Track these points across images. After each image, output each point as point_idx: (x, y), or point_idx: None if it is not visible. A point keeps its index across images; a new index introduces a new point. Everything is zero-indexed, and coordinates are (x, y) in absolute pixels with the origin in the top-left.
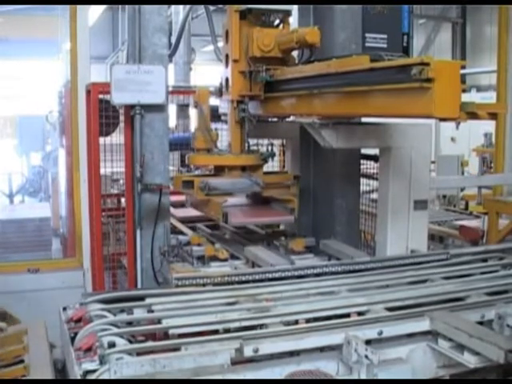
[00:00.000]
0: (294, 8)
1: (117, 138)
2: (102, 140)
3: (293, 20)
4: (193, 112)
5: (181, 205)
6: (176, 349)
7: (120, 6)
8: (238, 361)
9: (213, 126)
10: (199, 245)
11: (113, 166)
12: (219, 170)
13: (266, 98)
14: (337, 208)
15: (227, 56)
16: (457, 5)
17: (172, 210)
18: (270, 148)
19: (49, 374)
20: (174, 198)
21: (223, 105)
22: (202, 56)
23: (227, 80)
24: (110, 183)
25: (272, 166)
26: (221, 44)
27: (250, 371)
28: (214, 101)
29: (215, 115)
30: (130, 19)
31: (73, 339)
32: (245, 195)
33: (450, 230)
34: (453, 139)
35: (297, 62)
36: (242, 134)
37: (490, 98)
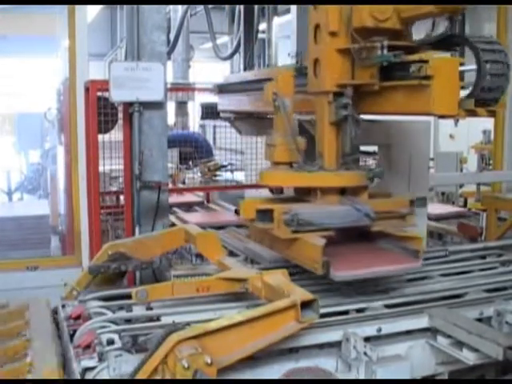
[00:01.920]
0: (293, 6)
1: (115, 135)
2: (100, 137)
3: (292, 17)
4: (191, 109)
5: (187, 205)
6: None
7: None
8: None
9: (212, 123)
10: None
11: (112, 164)
12: (305, 193)
13: (381, 89)
14: None
15: (317, 27)
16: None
17: (183, 214)
18: (378, 160)
19: (51, 349)
20: (177, 199)
21: (222, 102)
22: (201, 53)
23: (316, 62)
24: (109, 181)
25: None
26: (220, 41)
27: (248, 368)
28: (212, 98)
29: (214, 112)
30: (128, 16)
31: (72, 336)
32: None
33: (449, 227)
34: (451, 136)
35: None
36: (339, 142)
37: None
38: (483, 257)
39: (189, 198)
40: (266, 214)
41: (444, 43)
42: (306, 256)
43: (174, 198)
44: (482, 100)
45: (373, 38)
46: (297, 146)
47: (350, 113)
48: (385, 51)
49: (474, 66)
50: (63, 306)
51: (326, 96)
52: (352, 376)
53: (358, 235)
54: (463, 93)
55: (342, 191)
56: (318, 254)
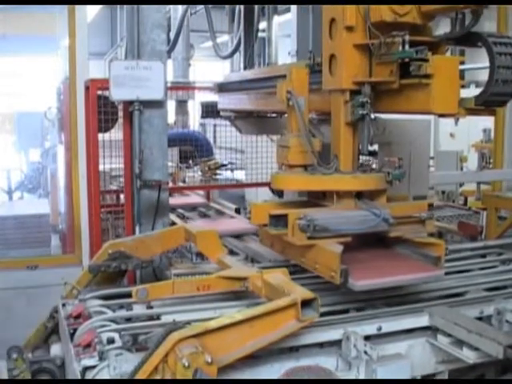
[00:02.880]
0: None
1: (116, 134)
2: (100, 136)
3: (292, 16)
4: (192, 108)
5: (190, 207)
6: None
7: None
8: None
9: (212, 122)
10: None
11: (112, 162)
12: (319, 197)
13: (401, 87)
14: None
15: (332, 21)
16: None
17: (197, 222)
18: (398, 161)
19: None
20: (179, 200)
21: (222, 100)
22: (201, 52)
23: (331, 58)
24: (109, 179)
25: (271, 162)
26: (220, 40)
27: (249, 367)
28: (212, 97)
29: (214, 111)
30: (128, 15)
31: (72, 335)
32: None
33: (449, 225)
34: (452, 135)
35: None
36: (355, 143)
37: None
38: (483, 255)
39: (192, 199)
40: (279, 220)
41: (465, 39)
42: (322, 264)
43: (176, 200)
44: (497, 94)
45: (392, 33)
46: (312, 148)
47: (368, 112)
48: (406, 47)
49: (475, 65)
50: (63, 305)
51: (342, 94)
52: (352, 375)
53: (375, 240)
54: (463, 92)
55: (359, 194)
56: (335, 261)
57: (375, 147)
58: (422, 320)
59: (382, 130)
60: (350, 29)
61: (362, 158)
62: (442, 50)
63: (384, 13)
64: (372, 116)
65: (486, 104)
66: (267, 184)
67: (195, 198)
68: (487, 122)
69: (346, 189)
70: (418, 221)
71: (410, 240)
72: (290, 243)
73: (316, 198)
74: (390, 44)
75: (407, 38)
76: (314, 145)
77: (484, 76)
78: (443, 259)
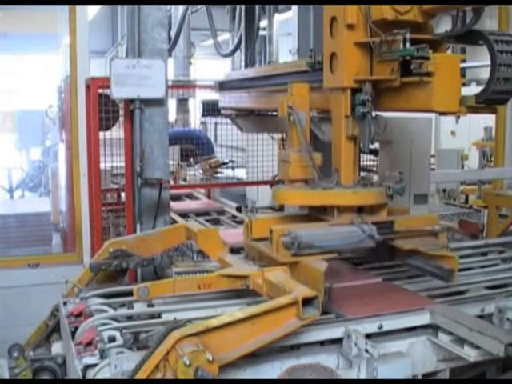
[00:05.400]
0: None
1: (116, 132)
2: (101, 134)
3: (292, 15)
4: (192, 106)
5: (204, 214)
6: None
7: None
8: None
9: (213, 120)
10: None
11: (113, 161)
12: (320, 210)
13: (402, 85)
14: None
15: (333, 19)
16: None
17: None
18: (399, 175)
19: None
20: (189, 205)
21: (223, 99)
22: (202, 50)
23: (332, 56)
24: (110, 178)
25: (272, 160)
26: (221, 38)
27: (249, 365)
28: (213, 95)
29: (215, 109)
30: (129, 14)
31: (73, 333)
32: None
33: (450, 223)
34: (453, 133)
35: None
36: (356, 157)
37: None
38: (484, 254)
39: (204, 203)
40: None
41: (465, 37)
42: (307, 282)
43: (186, 204)
44: (498, 92)
45: (393, 31)
46: (313, 163)
47: (369, 110)
48: (407, 45)
49: (476, 63)
50: (64, 303)
51: (343, 92)
52: (353, 373)
53: (388, 252)
54: (464, 90)
55: (360, 208)
56: (319, 279)
57: (376, 145)
58: (423, 318)
59: (383, 129)
60: (350, 27)
61: (364, 157)
62: (443, 48)
63: (385, 11)
64: (373, 114)
65: (487, 102)
66: (268, 182)
67: (207, 201)
68: (488, 120)
69: (346, 204)
70: (430, 233)
71: (423, 252)
72: (275, 259)
73: (317, 212)
74: (391, 42)
75: (408, 36)
76: (315, 159)
77: (485, 74)
78: (456, 272)
